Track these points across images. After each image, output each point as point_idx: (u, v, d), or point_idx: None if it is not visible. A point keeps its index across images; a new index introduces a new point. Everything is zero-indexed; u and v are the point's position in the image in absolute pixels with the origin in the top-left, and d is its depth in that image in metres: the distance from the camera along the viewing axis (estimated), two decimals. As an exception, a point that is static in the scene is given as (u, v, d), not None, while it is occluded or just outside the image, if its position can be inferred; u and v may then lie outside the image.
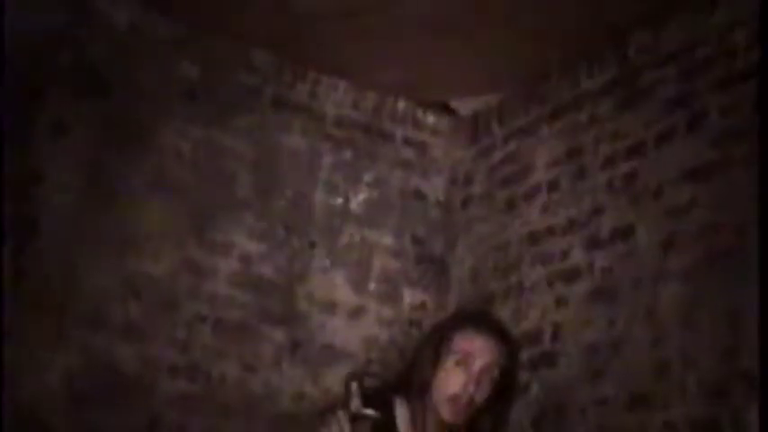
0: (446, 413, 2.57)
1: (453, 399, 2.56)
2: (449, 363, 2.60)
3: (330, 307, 4.27)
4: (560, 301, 3.84)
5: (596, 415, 3.53)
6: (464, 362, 2.57)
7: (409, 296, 4.42)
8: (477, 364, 2.58)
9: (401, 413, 2.59)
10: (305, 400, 4.11)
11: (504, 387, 2.63)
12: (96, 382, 3.82)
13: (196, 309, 4.04)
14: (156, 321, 3.96)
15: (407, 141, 4.55)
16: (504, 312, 4.06)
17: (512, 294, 4.08)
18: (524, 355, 3.91)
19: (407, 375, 2.68)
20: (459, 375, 2.57)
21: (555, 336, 3.82)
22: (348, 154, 4.44)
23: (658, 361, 3.36)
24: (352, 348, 4.25)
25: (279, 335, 4.15)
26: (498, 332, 2.65)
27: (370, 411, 2.42)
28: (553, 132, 4.12)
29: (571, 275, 3.83)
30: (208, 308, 4.06)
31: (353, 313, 4.31)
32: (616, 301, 3.60)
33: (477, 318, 2.71)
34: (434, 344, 2.64)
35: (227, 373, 4.04)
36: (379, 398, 2.68)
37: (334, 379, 4.16)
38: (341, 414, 2.42)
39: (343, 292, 4.31)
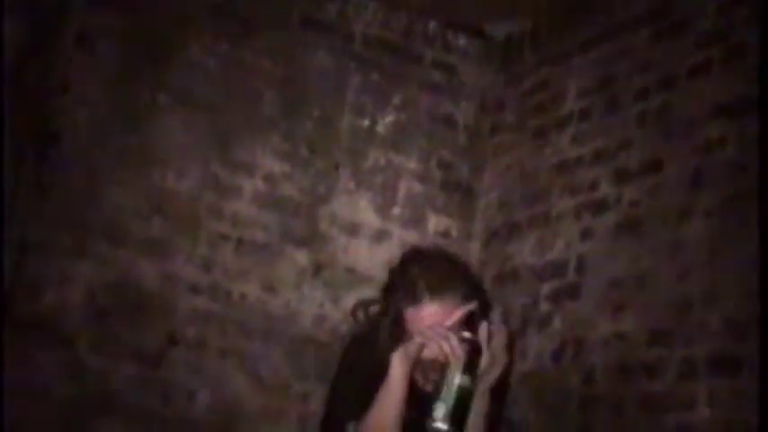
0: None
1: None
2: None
3: (353, 230, 4.24)
4: (586, 233, 3.78)
5: (616, 349, 3.50)
6: (423, 333, 2.54)
7: (434, 222, 4.37)
8: (434, 328, 2.55)
9: (383, 336, 2.62)
10: (325, 323, 4.11)
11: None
12: (117, 297, 3.84)
13: (218, 227, 4.02)
14: (177, 239, 3.96)
15: (437, 64, 4.45)
16: (529, 242, 4.02)
17: (538, 224, 4.03)
18: (547, 286, 3.90)
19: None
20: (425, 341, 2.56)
21: (579, 268, 3.76)
22: (376, 75, 4.35)
23: (681, 297, 3.31)
24: (375, 272, 4.19)
25: (301, 256, 4.14)
26: (446, 295, 2.58)
27: (468, 334, 2.49)
28: (586, 61, 4.02)
29: (599, 207, 3.76)
30: (230, 227, 4.04)
31: (377, 237, 4.27)
32: (642, 236, 3.54)
33: (422, 288, 2.59)
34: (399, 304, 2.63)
35: (248, 293, 4.03)
36: (374, 321, 2.70)
37: (355, 302, 4.15)
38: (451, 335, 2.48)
39: (366, 215, 4.27)
